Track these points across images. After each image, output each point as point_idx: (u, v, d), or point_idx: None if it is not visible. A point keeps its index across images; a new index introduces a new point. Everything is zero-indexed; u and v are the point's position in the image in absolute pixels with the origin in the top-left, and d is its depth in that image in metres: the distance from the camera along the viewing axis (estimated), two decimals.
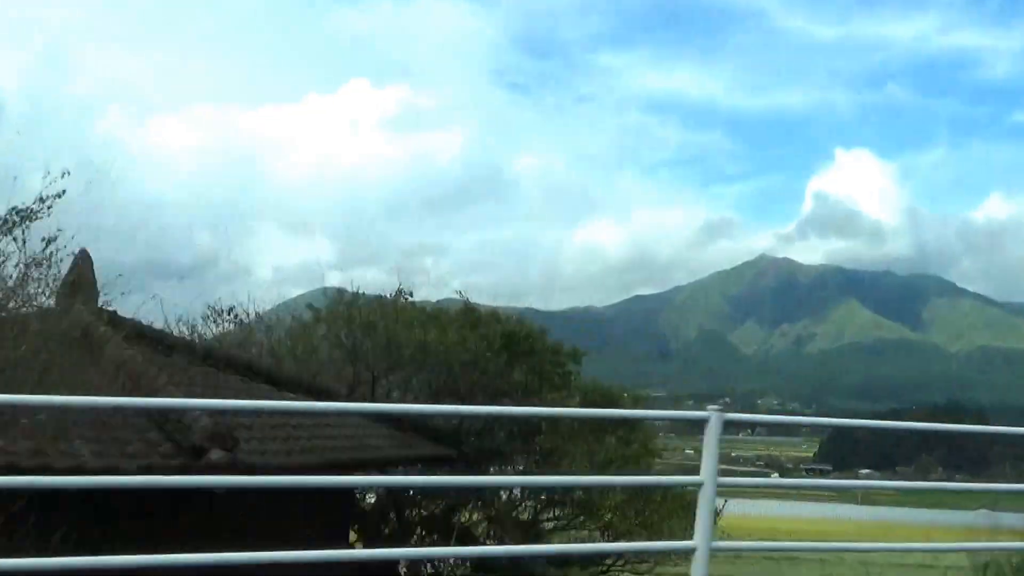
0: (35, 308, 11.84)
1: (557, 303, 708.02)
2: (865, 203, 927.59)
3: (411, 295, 22.84)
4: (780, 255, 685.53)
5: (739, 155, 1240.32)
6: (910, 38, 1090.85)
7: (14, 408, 8.84)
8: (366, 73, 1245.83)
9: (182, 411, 10.09)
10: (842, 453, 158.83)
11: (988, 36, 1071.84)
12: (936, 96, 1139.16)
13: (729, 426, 6.10)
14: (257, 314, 23.21)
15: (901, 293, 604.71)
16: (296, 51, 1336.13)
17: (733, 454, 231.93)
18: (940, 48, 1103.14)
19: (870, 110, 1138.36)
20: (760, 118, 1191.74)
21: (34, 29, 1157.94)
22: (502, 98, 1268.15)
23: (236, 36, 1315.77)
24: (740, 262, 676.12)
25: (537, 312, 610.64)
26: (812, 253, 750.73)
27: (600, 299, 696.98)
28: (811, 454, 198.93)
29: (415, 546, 17.15)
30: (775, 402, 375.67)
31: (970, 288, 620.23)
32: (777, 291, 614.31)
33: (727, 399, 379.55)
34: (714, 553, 6.00)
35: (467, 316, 22.43)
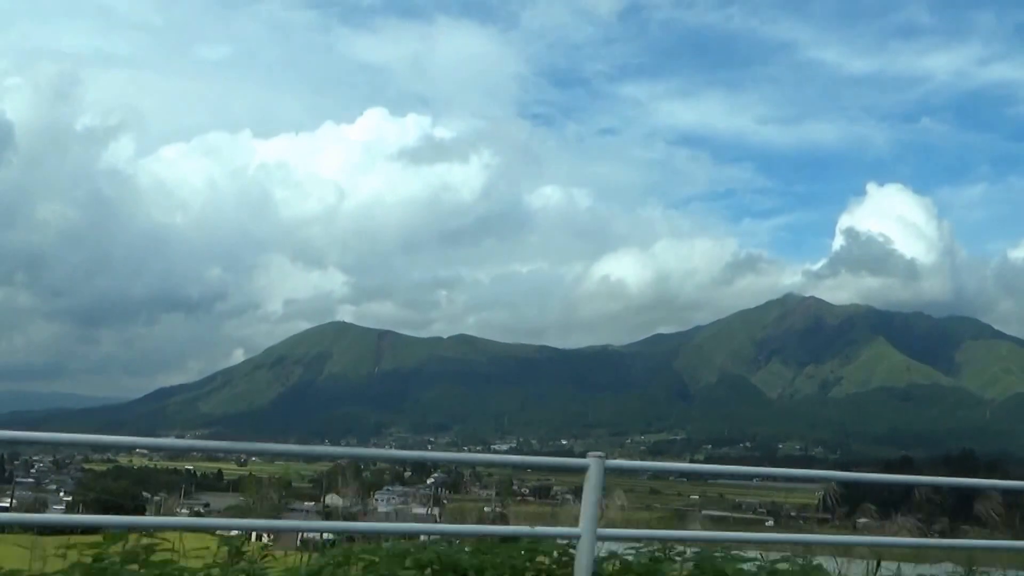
0: None
1: (575, 341, 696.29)
2: (899, 241, 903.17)
3: None
4: (808, 294, 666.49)
5: (770, 190, 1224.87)
6: (949, 71, 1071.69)
7: None
8: (384, 102, 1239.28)
9: None
10: (848, 500, 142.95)
11: None
12: (976, 131, 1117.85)
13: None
14: None
15: (934, 335, 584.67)
16: (312, 79, 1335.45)
17: (737, 500, 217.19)
18: (981, 81, 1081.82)
19: (906, 146, 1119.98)
20: (792, 152, 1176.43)
21: (44, 58, 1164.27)
22: (524, 129, 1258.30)
23: (250, 63, 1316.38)
24: (765, 301, 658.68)
25: (553, 350, 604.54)
26: (842, 292, 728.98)
27: (619, 338, 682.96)
28: (816, 502, 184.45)
29: None
30: (797, 447, 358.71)
31: (1008, 331, 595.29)
32: (804, 331, 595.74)
33: (748, 443, 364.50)
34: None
35: None
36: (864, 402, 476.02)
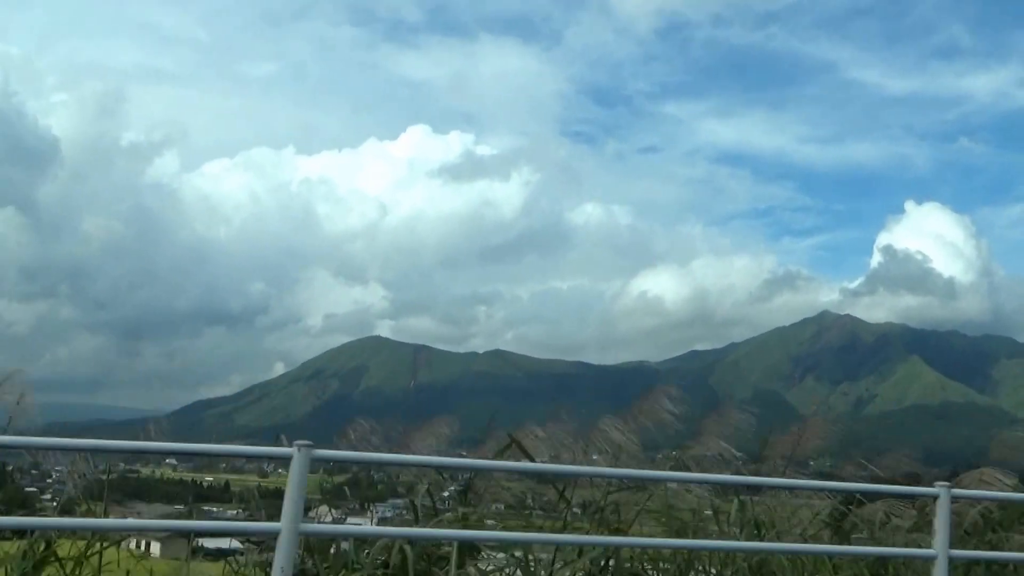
0: None
1: (611, 357, 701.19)
2: (937, 259, 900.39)
3: None
4: (845, 311, 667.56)
5: (810, 208, 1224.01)
6: (989, 91, 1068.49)
7: None
8: (428, 119, 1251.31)
9: None
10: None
11: None
12: (1017, 151, 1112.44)
13: None
14: None
15: (969, 354, 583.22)
16: (356, 95, 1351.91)
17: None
18: (1021, 102, 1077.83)
19: (946, 165, 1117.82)
20: (833, 171, 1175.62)
21: (91, 75, 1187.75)
22: (565, 147, 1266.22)
23: (295, 79, 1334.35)
24: (801, 318, 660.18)
25: (589, 366, 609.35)
26: (878, 310, 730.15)
27: (656, 354, 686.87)
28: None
29: None
30: (829, 464, 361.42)
31: None
32: (839, 349, 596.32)
33: (779, 460, 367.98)
34: None
35: None
36: (898, 420, 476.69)
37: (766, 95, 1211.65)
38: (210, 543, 11.71)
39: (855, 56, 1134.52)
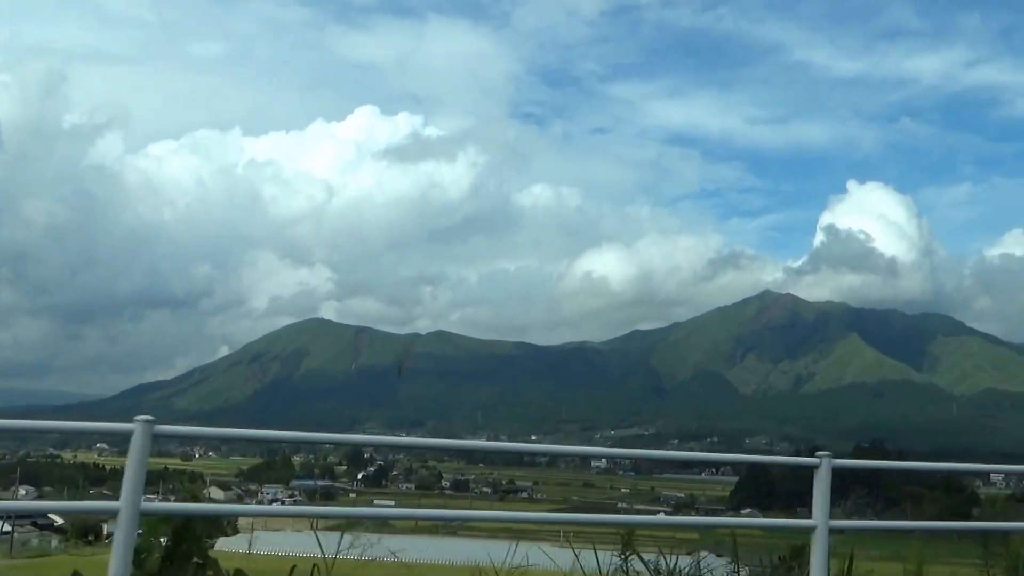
0: None
1: (556, 338, 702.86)
2: (879, 239, 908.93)
3: None
4: (787, 291, 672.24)
5: (758, 189, 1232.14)
6: (936, 73, 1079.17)
7: None
8: (376, 101, 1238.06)
9: None
10: (758, 492, 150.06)
11: (1017, 71, 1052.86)
12: (961, 132, 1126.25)
13: None
14: None
15: (907, 332, 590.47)
16: (305, 77, 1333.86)
17: (664, 493, 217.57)
18: (967, 84, 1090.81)
19: (892, 146, 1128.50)
20: (781, 152, 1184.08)
21: (34, 56, 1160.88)
22: (515, 128, 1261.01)
23: (243, 61, 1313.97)
24: (743, 298, 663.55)
25: (532, 347, 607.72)
26: (821, 289, 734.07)
27: (600, 334, 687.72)
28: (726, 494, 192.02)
29: None
30: (764, 442, 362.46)
31: (981, 328, 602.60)
32: (780, 328, 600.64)
33: (715, 438, 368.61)
34: None
35: None
36: (836, 397, 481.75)
37: (715, 76, 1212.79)
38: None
39: (803, 37, 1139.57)
